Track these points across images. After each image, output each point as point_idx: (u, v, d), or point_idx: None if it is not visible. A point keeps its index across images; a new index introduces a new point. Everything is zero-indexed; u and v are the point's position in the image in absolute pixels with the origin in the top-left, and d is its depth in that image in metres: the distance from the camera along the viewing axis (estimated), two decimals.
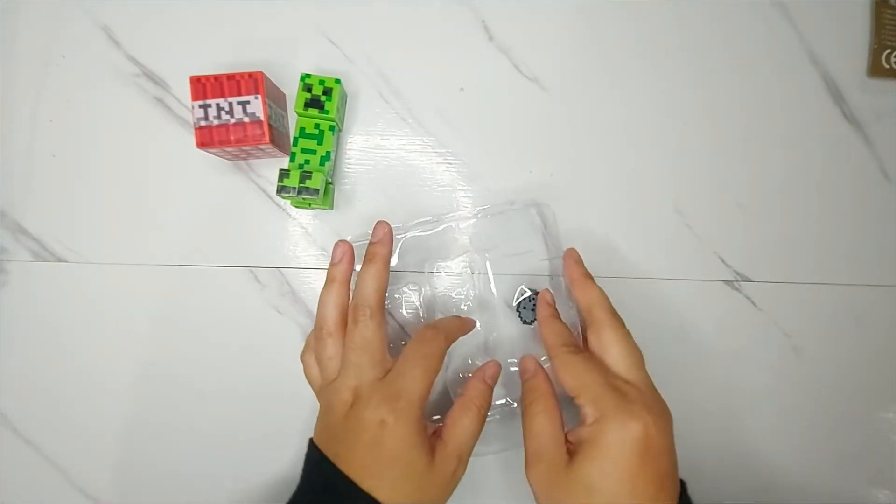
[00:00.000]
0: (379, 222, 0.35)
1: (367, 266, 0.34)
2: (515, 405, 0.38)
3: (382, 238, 0.35)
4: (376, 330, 0.32)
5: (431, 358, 0.32)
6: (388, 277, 0.34)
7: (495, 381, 0.35)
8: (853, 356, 0.42)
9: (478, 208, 0.40)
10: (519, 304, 0.39)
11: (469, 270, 0.39)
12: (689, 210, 0.41)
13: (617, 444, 0.29)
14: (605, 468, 0.29)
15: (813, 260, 0.42)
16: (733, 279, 0.41)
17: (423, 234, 0.39)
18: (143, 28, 0.41)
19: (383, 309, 0.34)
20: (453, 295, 0.40)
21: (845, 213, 0.42)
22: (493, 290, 0.39)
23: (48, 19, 0.41)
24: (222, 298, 0.40)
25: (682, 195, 0.41)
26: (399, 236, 0.39)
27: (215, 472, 0.40)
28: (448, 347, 0.34)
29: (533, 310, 0.38)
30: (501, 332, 0.39)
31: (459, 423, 0.32)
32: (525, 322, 0.39)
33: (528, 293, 0.39)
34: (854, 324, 0.42)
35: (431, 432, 0.33)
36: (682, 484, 0.32)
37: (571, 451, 0.31)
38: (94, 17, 0.41)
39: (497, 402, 0.38)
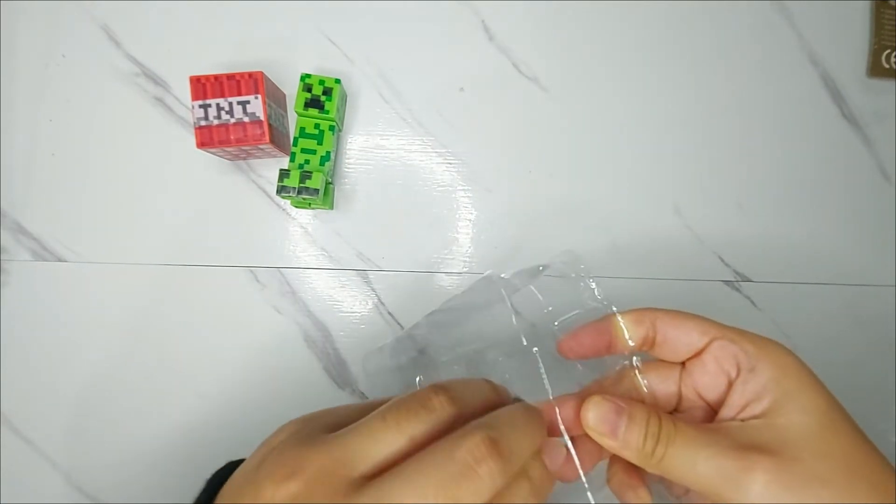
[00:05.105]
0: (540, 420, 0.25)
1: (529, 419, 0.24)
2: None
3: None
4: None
5: None
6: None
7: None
8: (853, 356, 0.42)
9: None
10: None
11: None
12: (689, 210, 0.41)
13: (799, 366, 0.25)
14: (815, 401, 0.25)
15: (813, 260, 0.42)
16: (733, 279, 0.41)
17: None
18: (143, 28, 0.41)
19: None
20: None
21: (845, 213, 0.42)
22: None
23: (48, 19, 0.41)
24: (222, 298, 0.40)
25: (682, 195, 0.41)
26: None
27: None
28: None
29: None
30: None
31: None
32: None
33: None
34: (854, 324, 0.42)
35: None
36: None
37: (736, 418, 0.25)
38: (94, 17, 0.41)
39: None
